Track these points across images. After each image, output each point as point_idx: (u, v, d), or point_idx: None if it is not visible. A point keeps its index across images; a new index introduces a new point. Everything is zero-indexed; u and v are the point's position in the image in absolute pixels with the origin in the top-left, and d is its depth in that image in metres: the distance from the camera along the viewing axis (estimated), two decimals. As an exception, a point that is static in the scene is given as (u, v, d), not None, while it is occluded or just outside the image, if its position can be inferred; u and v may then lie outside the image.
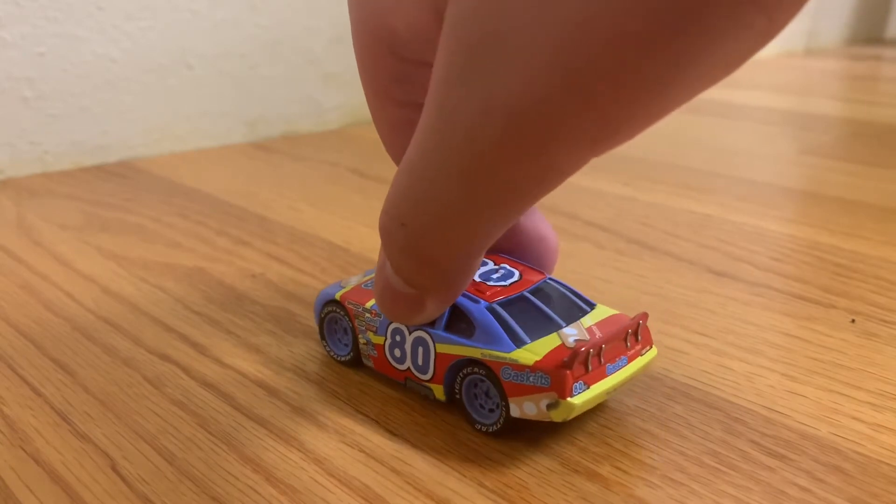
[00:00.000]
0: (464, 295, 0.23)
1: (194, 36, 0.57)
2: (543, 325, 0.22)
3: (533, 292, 0.23)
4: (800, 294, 0.32)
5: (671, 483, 0.21)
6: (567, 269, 0.35)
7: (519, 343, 0.22)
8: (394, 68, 0.20)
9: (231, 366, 0.27)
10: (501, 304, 0.22)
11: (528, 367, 0.21)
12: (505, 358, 0.21)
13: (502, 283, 0.23)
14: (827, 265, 0.36)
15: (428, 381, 0.23)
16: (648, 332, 0.23)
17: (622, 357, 0.22)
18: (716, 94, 0.82)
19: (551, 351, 0.21)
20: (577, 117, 0.14)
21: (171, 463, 0.21)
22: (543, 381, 0.21)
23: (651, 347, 0.23)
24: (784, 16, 0.13)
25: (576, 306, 0.23)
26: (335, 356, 0.27)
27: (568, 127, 0.14)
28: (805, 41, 1.27)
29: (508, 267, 0.24)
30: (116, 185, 0.49)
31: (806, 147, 0.60)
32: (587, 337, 0.22)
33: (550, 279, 0.24)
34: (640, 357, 0.23)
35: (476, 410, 0.23)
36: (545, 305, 0.23)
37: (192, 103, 0.58)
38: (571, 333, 0.22)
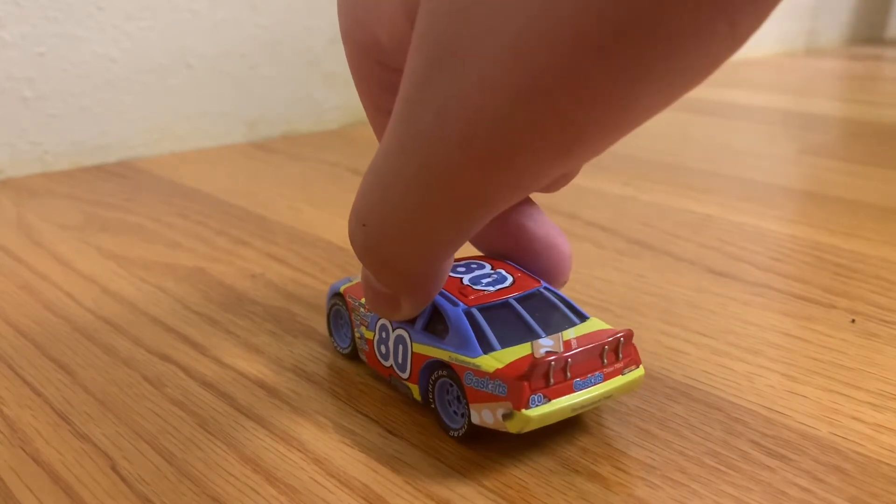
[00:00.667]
0: (446, 297, 0.22)
1: (194, 36, 0.57)
2: (520, 334, 0.22)
3: (520, 300, 0.23)
4: (800, 294, 0.32)
5: (671, 483, 0.21)
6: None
7: (487, 349, 0.21)
8: (381, 77, 0.20)
9: (231, 366, 0.27)
10: (481, 308, 0.22)
11: (488, 374, 0.21)
12: (469, 363, 0.21)
13: (489, 289, 0.23)
14: (827, 265, 0.36)
15: (406, 379, 0.24)
16: (635, 350, 0.22)
17: (596, 374, 0.21)
18: (716, 94, 0.82)
19: (517, 360, 0.21)
20: (537, 125, 0.14)
21: (170, 463, 0.21)
22: (501, 389, 0.20)
23: (637, 367, 0.22)
24: (747, 22, 0.13)
25: (564, 318, 0.22)
26: (338, 347, 0.27)
27: (528, 135, 0.14)
28: (805, 41, 1.27)
29: (504, 272, 0.24)
30: (116, 185, 0.49)
31: (806, 147, 0.60)
32: (561, 349, 0.21)
33: (546, 288, 0.23)
34: (620, 376, 0.22)
35: (448, 416, 0.23)
36: (529, 314, 0.22)
37: (192, 103, 0.58)
38: (546, 344, 0.21)
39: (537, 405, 0.20)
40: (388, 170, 0.17)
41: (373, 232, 0.18)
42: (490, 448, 0.22)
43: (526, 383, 0.20)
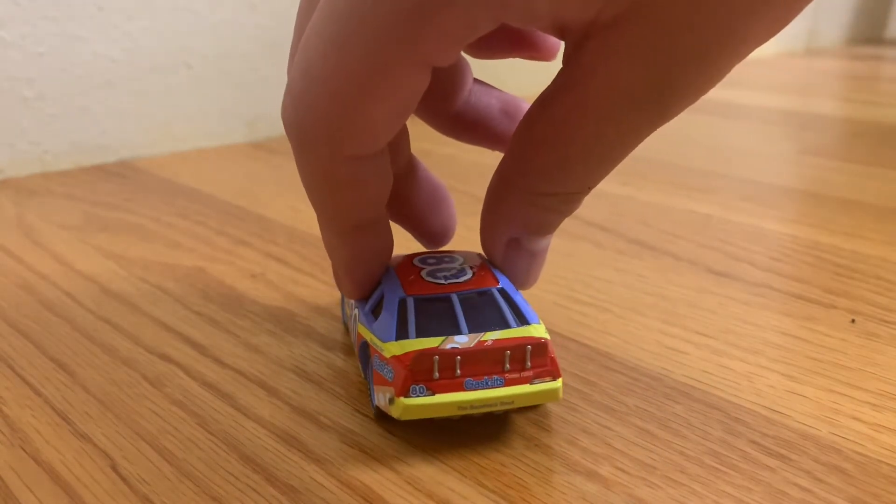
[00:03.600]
0: (394, 284, 0.23)
1: (194, 36, 0.57)
2: (442, 328, 0.21)
3: (463, 296, 0.22)
4: (800, 294, 0.32)
5: (671, 483, 0.21)
6: (567, 269, 0.35)
7: (401, 337, 0.21)
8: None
9: (231, 366, 0.27)
10: (419, 299, 0.22)
11: (386, 358, 0.21)
12: (379, 346, 0.22)
13: (441, 282, 0.23)
14: (827, 265, 0.36)
15: (357, 357, 0.24)
16: (552, 362, 0.21)
17: (495, 377, 0.21)
18: (716, 94, 0.82)
19: (416, 350, 0.21)
20: None
21: (171, 463, 0.21)
22: (390, 375, 0.21)
23: (552, 380, 0.21)
24: None
25: (499, 320, 0.22)
26: (343, 322, 0.28)
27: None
28: (805, 41, 1.27)
29: (468, 269, 0.24)
30: (116, 184, 0.49)
31: (806, 147, 0.60)
32: (473, 342, 0.21)
33: (501, 290, 0.23)
34: (527, 385, 0.21)
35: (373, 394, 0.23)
36: (463, 311, 0.22)
37: (192, 103, 0.58)
38: (459, 342, 0.21)
39: (418, 395, 0.21)
40: (316, 28, 0.18)
41: (296, 82, 0.19)
42: (490, 448, 0.22)
43: (406, 372, 0.20)
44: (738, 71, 1.02)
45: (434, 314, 0.22)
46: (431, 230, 0.27)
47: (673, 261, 0.36)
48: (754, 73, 1.00)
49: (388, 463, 0.21)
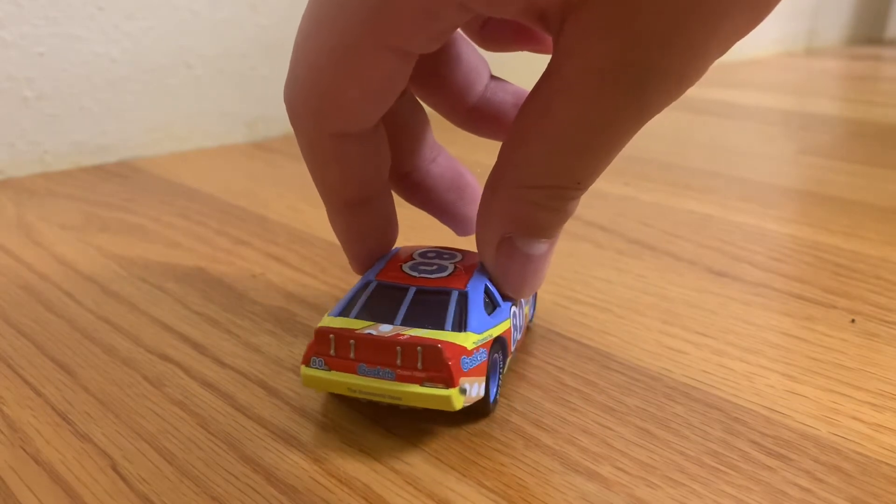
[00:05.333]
0: (377, 267, 0.24)
1: (194, 36, 0.57)
2: (380, 315, 0.22)
3: (422, 291, 0.23)
4: (800, 294, 0.32)
5: (671, 483, 0.21)
6: (567, 269, 0.35)
7: (343, 314, 0.23)
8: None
9: (231, 365, 0.27)
10: (381, 285, 0.23)
11: (315, 329, 0.22)
12: (324, 319, 0.23)
13: (412, 273, 0.24)
14: (827, 265, 0.36)
15: None
16: (448, 370, 0.21)
17: (387, 370, 0.21)
18: (716, 94, 0.82)
19: (326, 326, 0.22)
20: None
21: (171, 463, 0.21)
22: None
23: (444, 387, 0.21)
24: None
25: (437, 320, 0.22)
26: None
27: None
28: (805, 41, 1.27)
29: (452, 267, 0.24)
30: (116, 185, 0.49)
31: (806, 147, 0.60)
32: (390, 333, 0.22)
33: (467, 294, 0.23)
34: (417, 385, 0.21)
35: None
36: (411, 304, 0.22)
37: (192, 103, 0.58)
38: (382, 330, 0.22)
39: (316, 367, 0.22)
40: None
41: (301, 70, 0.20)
42: (490, 448, 0.22)
43: (311, 342, 0.22)
44: (739, 71, 1.02)
45: (384, 301, 0.23)
46: (455, 217, 0.27)
47: (673, 261, 0.36)
48: (754, 73, 1.00)
49: (388, 463, 0.21)
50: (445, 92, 0.25)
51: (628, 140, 0.20)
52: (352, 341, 0.21)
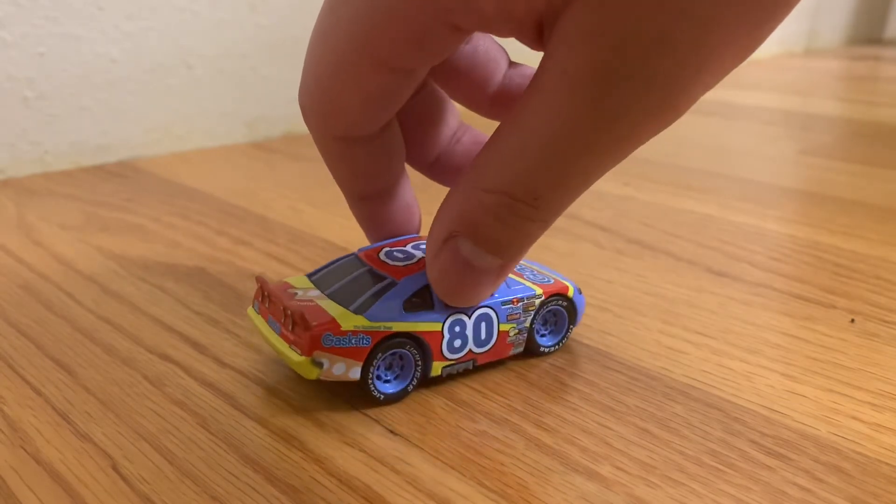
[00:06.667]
0: (382, 243, 0.26)
1: (194, 36, 0.57)
2: (326, 285, 0.25)
3: (370, 273, 0.25)
4: (799, 294, 0.32)
5: (671, 483, 0.21)
6: (567, 269, 0.35)
7: (310, 276, 0.26)
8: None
9: (231, 365, 0.27)
10: (352, 258, 0.26)
11: (255, 277, 0.26)
12: (299, 275, 0.27)
13: (383, 258, 0.25)
14: (827, 265, 0.36)
15: None
16: (306, 340, 0.23)
17: (278, 326, 0.24)
18: (716, 94, 0.82)
19: (270, 281, 0.26)
20: None
21: (171, 462, 0.21)
22: None
23: (299, 353, 0.23)
24: None
25: (352, 299, 0.24)
26: None
27: None
28: (805, 41, 1.28)
29: (419, 258, 0.25)
30: (117, 185, 0.49)
31: (806, 147, 0.60)
32: (306, 299, 0.24)
33: (404, 286, 0.24)
34: (287, 345, 0.23)
35: None
36: (352, 280, 0.25)
37: (192, 103, 0.58)
38: (309, 294, 0.25)
39: (255, 309, 0.26)
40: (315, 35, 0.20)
41: (309, 79, 0.21)
42: (490, 448, 0.22)
43: (256, 289, 0.26)
44: (739, 71, 1.02)
45: (339, 273, 0.25)
46: None
47: (673, 261, 0.36)
48: (754, 73, 1.00)
49: (388, 463, 0.21)
50: (463, 85, 0.24)
51: (597, 164, 0.18)
52: (266, 294, 0.25)
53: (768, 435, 0.23)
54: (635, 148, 0.18)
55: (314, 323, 0.23)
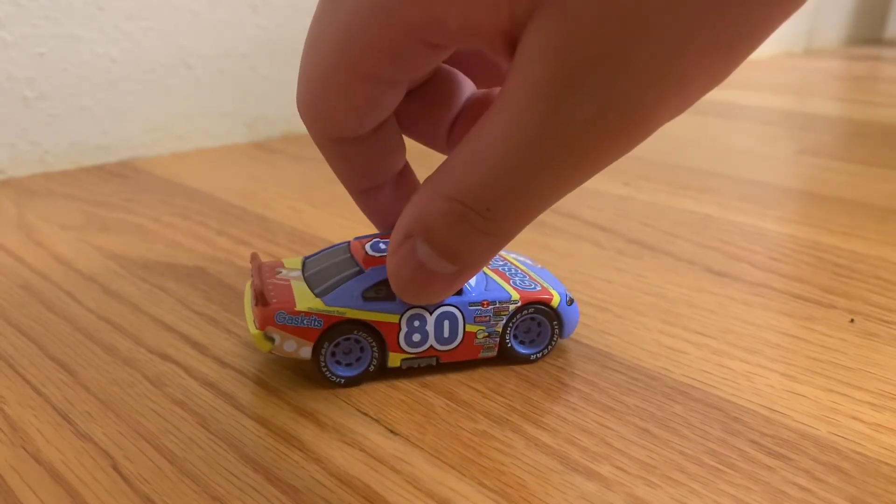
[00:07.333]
0: (375, 234, 0.27)
1: (194, 36, 0.57)
2: (310, 268, 0.27)
3: (347, 259, 0.26)
4: (799, 294, 0.32)
5: (671, 482, 0.21)
6: (567, 269, 0.35)
7: (308, 257, 0.28)
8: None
9: (231, 365, 0.27)
10: (344, 245, 0.27)
11: (251, 254, 0.29)
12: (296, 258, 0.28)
13: (367, 250, 0.26)
14: (826, 265, 0.36)
15: None
16: (259, 314, 0.24)
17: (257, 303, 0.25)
18: (716, 94, 0.82)
19: (260, 260, 0.28)
20: None
21: (171, 462, 0.21)
22: None
23: (256, 326, 0.25)
24: None
25: (321, 283, 0.26)
26: None
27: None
28: (805, 41, 1.28)
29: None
30: (117, 185, 0.49)
31: (806, 147, 0.60)
32: (284, 279, 0.26)
33: (369, 276, 0.25)
34: (253, 317, 0.25)
35: None
36: (328, 266, 0.26)
37: (192, 103, 0.58)
38: (289, 275, 0.26)
39: (249, 283, 0.27)
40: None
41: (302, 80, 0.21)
42: (490, 448, 0.22)
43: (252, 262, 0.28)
44: (739, 71, 1.02)
45: (327, 258, 0.27)
46: None
47: (672, 261, 0.36)
48: (754, 73, 1.00)
49: (388, 463, 0.22)
50: (419, 116, 0.25)
51: (553, 181, 0.18)
52: (261, 268, 0.27)
53: (768, 435, 0.23)
54: (596, 169, 0.18)
55: (273, 301, 0.24)
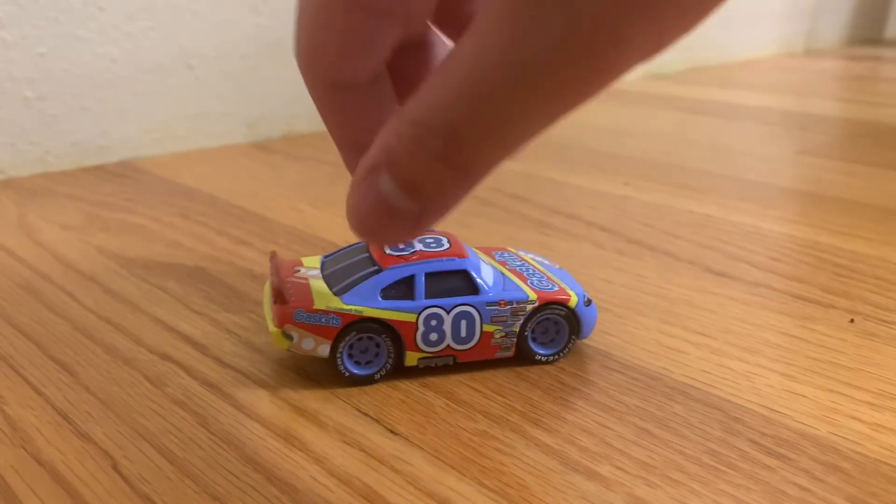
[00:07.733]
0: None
1: (194, 36, 0.57)
2: (328, 267, 0.27)
3: (365, 258, 0.26)
4: (799, 294, 0.32)
5: (671, 482, 0.21)
6: (567, 269, 0.35)
7: (327, 255, 0.28)
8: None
9: (232, 365, 0.27)
10: (363, 247, 0.27)
11: (269, 253, 0.29)
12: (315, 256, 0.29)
13: (387, 250, 0.27)
14: (826, 265, 0.36)
15: None
16: (278, 312, 0.25)
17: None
18: (716, 94, 0.82)
19: (279, 258, 0.28)
20: None
21: (172, 462, 0.21)
22: None
23: (275, 324, 0.25)
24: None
25: (340, 281, 0.26)
26: None
27: None
28: (804, 41, 1.28)
29: (414, 249, 0.26)
30: (117, 185, 0.49)
31: (805, 147, 0.60)
32: (302, 277, 0.27)
33: (386, 274, 0.25)
34: (272, 315, 0.26)
35: None
36: (347, 265, 0.27)
37: (193, 103, 0.58)
38: (308, 273, 0.27)
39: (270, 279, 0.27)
40: None
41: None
42: (490, 448, 0.22)
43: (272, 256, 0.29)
44: (738, 71, 1.02)
45: (346, 256, 0.27)
46: None
47: (672, 261, 0.36)
48: (754, 73, 1.00)
49: (388, 463, 0.22)
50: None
51: (519, 108, 0.17)
52: (276, 265, 0.27)
53: (768, 435, 0.23)
54: (565, 101, 0.17)
55: (292, 299, 0.25)
